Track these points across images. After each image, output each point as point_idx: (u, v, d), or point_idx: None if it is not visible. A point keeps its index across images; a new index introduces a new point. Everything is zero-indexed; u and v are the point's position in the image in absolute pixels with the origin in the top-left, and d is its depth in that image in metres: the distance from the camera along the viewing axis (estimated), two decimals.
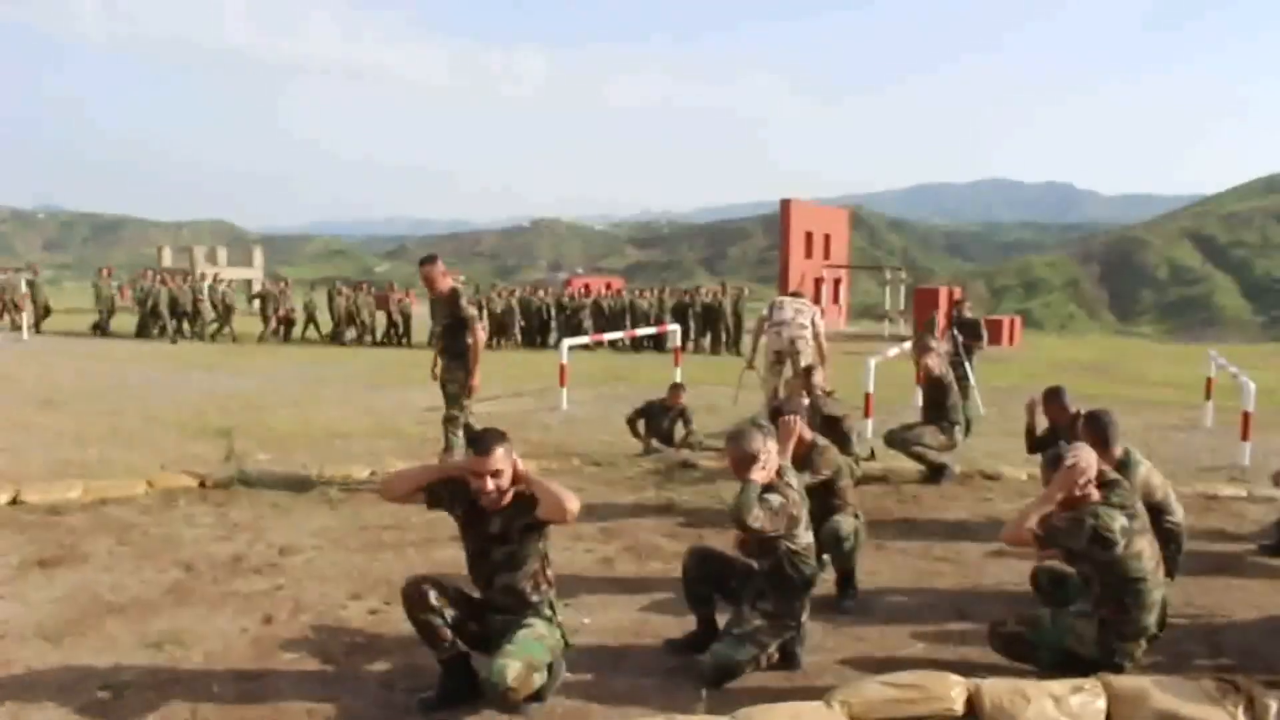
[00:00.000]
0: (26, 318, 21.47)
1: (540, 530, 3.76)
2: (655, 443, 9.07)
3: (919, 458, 7.99)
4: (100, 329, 22.68)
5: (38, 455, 8.15)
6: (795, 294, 9.75)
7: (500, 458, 3.64)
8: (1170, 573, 4.94)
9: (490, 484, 3.65)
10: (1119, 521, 3.99)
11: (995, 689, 3.63)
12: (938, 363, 8.27)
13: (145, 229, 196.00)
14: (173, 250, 44.03)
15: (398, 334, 23.54)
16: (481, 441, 3.70)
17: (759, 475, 4.07)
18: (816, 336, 8.82)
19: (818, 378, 7.62)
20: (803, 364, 8.61)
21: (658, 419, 9.21)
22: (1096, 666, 3.94)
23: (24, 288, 22.99)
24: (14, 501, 6.44)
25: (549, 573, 3.87)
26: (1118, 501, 4.08)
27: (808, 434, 5.15)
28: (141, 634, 4.36)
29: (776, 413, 5.16)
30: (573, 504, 3.60)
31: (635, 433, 9.13)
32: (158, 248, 44.27)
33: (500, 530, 3.76)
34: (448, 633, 3.72)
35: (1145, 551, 4.10)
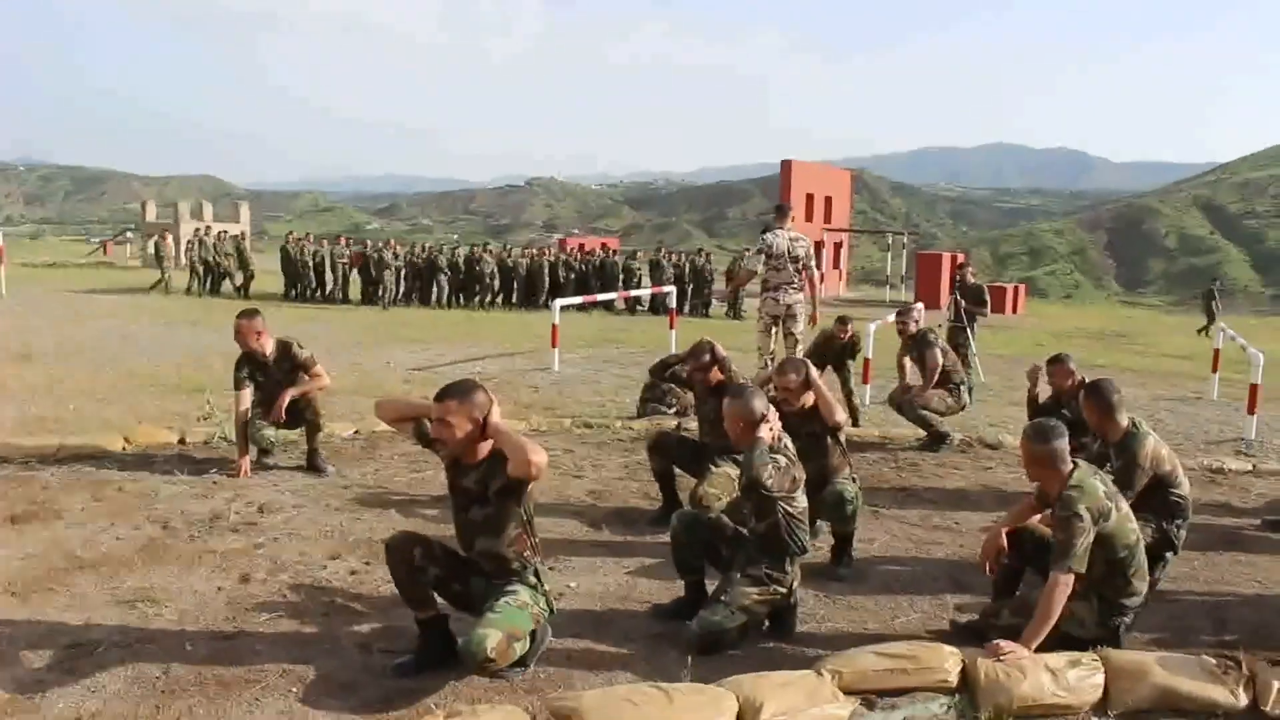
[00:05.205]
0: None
1: (517, 494, 3.60)
2: (651, 406, 8.95)
3: (922, 422, 7.86)
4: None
5: (11, 411, 8.00)
6: (794, 234, 8.69)
7: (452, 409, 3.52)
8: (1175, 547, 4.82)
9: (438, 431, 3.57)
10: (1101, 488, 3.84)
11: (990, 661, 3.53)
12: (914, 322, 8.34)
13: (129, 183, 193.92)
14: (157, 205, 43.37)
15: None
16: (442, 390, 3.61)
17: (766, 435, 4.03)
18: (806, 269, 8.58)
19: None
20: (796, 330, 8.49)
21: (654, 386, 9.07)
22: (1096, 643, 3.82)
23: None
24: None
25: (534, 540, 3.73)
26: (1086, 472, 3.90)
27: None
28: (113, 591, 4.25)
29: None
30: (537, 455, 3.40)
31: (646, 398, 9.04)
32: (141, 202, 43.65)
33: (476, 486, 3.64)
34: (429, 590, 3.65)
35: (1130, 511, 3.97)
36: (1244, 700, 3.47)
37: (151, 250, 23.00)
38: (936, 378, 7.92)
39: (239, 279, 23.34)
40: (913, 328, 8.28)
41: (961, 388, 8.12)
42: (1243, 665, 3.56)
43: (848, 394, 8.99)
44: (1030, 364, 7.02)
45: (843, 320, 9.13)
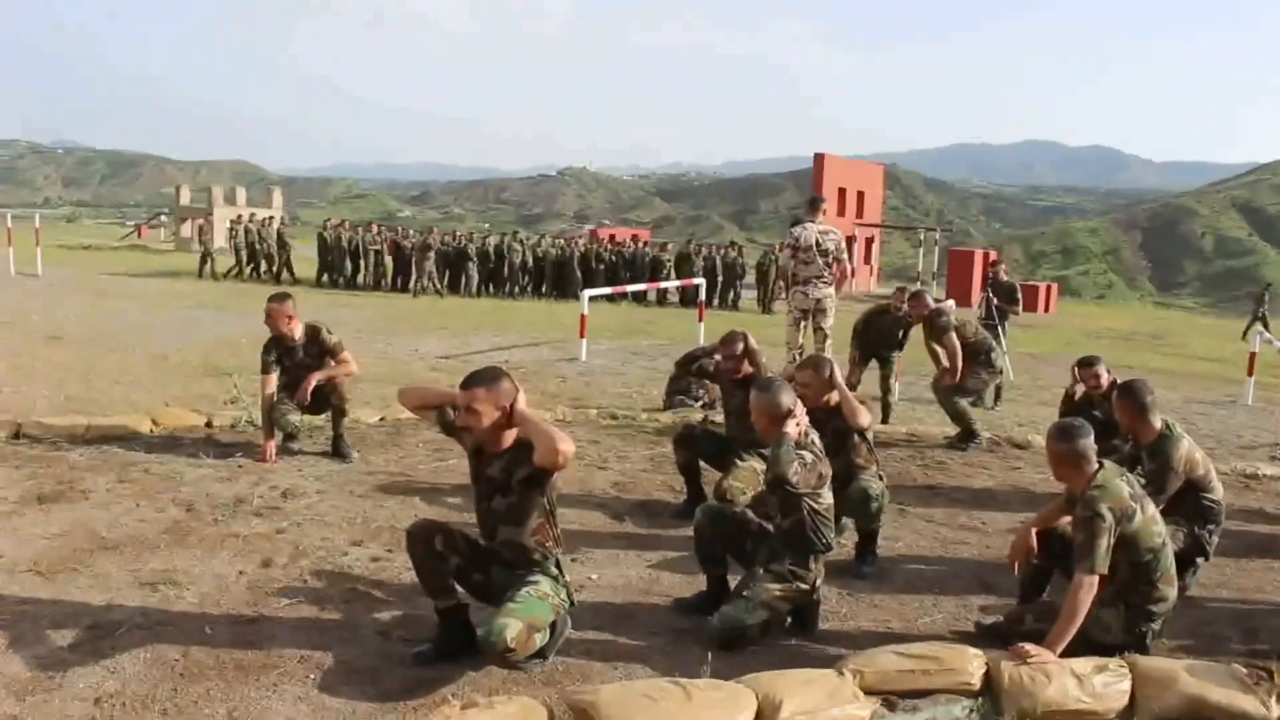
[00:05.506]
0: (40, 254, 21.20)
1: (541, 484, 3.58)
2: (677, 399, 8.91)
3: (956, 415, 7.76)
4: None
5: (44, 390, 8.07)
6: (824, 227, 8.53)
7: (479, 396, 3.50)
8: (1206, 553, 4.74)
9: (464, 419, 3.54)
10: (1125, 490, 3.76)
11: (1014, 664, 3.47)
12: (916, 307, 8.20)
13: (164, 167, 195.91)
14: (191, 189, 43.73)
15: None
16: (468, 377, 3.58)
17: (793, 430, 3.98)
18: (838, 261, 8.47)
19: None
20: (825, 325, 8.41)
21: (680, 379, 9.03)
22: (1123, 649, 3.75)
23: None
24: (16, 436, 6.36)
25: (556, 531, 3.71)
26: (1112, 472, 3.82)
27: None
28: (136, 573, 4.27)
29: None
30: (564, 444, 3.38)
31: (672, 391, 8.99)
32: (175, 186, 44.15)
33: (500, 475, 3.62)
34: (449, 580, 3.64)
35: (1156, 513, 3.89)
36: (1275, 712, 3.38)
37: (195, 235, 23.40)
38: (961, 357, 7.81)
39: (276, 263, 23.51)
40: (919, 310, 8.14)
41: (991, 354, 8.04)
42: (1274, 675, 3.47)
43: (885, 390, 8.85)
44: (1075, 360, 6.92)
45: (903, 290, 8.78)
